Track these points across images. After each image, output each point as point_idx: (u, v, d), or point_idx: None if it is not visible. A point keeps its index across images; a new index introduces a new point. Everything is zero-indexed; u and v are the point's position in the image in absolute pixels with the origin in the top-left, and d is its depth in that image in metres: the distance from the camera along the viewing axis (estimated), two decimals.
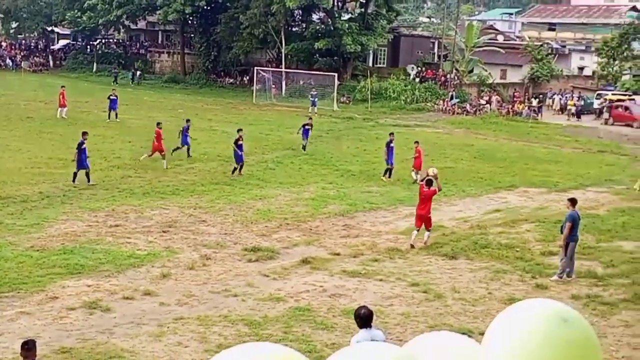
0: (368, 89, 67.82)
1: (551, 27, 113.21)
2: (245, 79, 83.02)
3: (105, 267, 18.96)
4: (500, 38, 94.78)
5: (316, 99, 61.25)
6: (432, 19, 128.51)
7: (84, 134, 30.21)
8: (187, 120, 37.85)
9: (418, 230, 22.28)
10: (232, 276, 18.77)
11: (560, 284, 19.00)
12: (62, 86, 51.26)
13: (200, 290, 17.69)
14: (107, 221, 23.59)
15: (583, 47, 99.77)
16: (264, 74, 72.89)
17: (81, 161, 29.11)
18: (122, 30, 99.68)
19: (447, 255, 21.30)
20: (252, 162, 35.96)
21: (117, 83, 76.83)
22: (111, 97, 49.04)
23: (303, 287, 18.16)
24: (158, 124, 35.21)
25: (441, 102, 67.19)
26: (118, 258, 19.69)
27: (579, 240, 20.01)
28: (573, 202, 20.04)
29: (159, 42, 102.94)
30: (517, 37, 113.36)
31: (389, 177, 33.51)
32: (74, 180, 28.90)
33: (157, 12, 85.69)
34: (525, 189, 32.38)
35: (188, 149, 36.67)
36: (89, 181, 28.97)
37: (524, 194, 31.40)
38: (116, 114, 48.93)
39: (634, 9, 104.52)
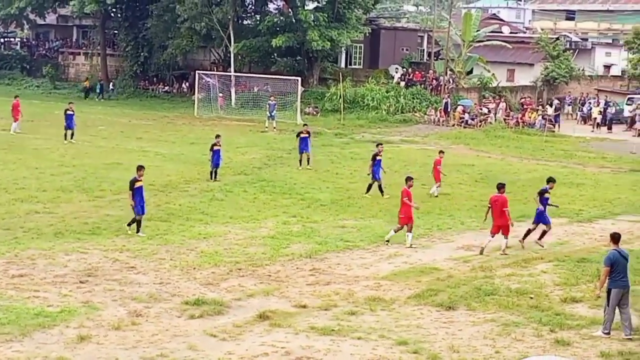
0: (340, 97, 68.13)
1: (569, 15, 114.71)
2: (185, 85, 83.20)
3: (7, 329, 18.76)
4: (506, 30, 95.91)
5: (275, 110, 61.50)
6: (420, 8, 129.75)
7: None
8: (217, 136, 40.45)
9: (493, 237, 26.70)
10: (170, 337, 18.65)
11: (586, 339, 19.10)
12: (16, 96, 52.17)
13: (129, 356, 17.56)
14: (8, 270, 23.37)
15: (609, 40, 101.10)
16: (208, 79, 73.04)
17: None
18: (26, 27, 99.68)
19: (442, 305, 21.30)
20: (195, 192, 35.92)
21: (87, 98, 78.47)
22: (67, 113, 49.63)
23: (260, 349, 18.08)
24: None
25: (433, 111, 67.59)
26: (23, 317, 19.48)
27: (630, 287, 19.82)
28: (613, 238, 20.03)
29: (74, 40, 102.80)
30: (527, 28, 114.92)
31: (381, 191, 36.26)
32: None
33: (71, 3, 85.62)
34: None
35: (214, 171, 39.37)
36: None
37: (538, 226, 31.56)
38: (72, 134, 49.52)
39: None
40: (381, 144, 38.96)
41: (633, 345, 18.74)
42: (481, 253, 26.89)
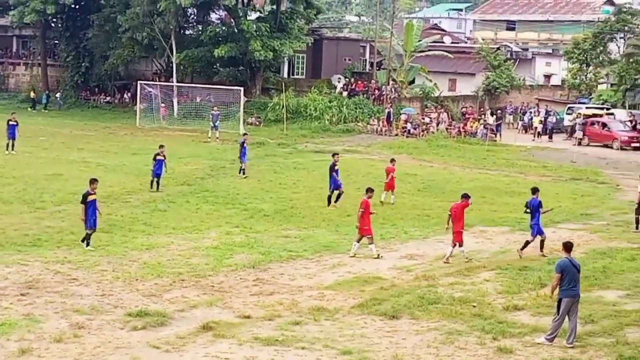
0: (283, 107, 68.17)
1: (510, 25, 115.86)
2: (126, 96, 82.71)
3: None
4: (448, 40, 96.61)
5: (218, 121, 61.42)
6: (362, 18, 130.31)
7: None
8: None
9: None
10: (112, 349, 18.51)
11: (528, 346, 19.23)
12: None
13: None
14: None
15: (549, 50, 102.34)
16: (150, 89, 72.74)
17: None
18: None
19: (386, 315, 21.35)
20: (137, 203, 35.74)
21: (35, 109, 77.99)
22: (10, 123, 49.42)
23: None
24: None
25: (375, 120, 67.85)
26: None
27: (580, 297, 19.93)
28: (566, 246, 20.08)
29: (13, 51, 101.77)
30: (469, 38, 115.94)
31: (329, 201, 36.78)
32: None
33: (10, 13, 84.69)
34: (483, 228, 32.80)
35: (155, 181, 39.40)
36: None
37: (481, 234, 31.81)
38: (13, 145, 49.72)
39: (609, 2, 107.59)
40: (337, 154, 38.98)
41: (574, 352, 18.90)
42: (447, 262, 27.22)
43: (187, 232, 30.73)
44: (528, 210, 29.11)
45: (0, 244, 27.80)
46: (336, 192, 36.95)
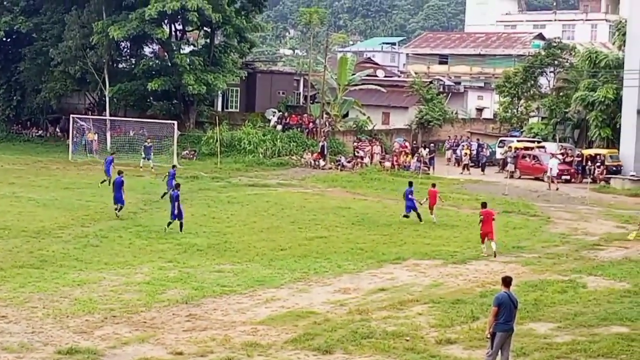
0: (217, 140, 68.13)
1: (442, 59, 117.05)
2: (58, 129, 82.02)
3: None
4: (381, 74, 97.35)
5: (151, 153, 61.26)
6: (296, 51, 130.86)
7: None
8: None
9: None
10: None
11: None
12: None
13: None
14: None
15: (481, 84, 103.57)
16: (83, 123, 72.31)
17: None
18: None
19: (319, 350, 21.30)
20: (68, 238, 35.35)
21: None
22: None
23: None
24: None
25: (309, 154, 67.99)
26: None
27: (514, 331, 20.00)
28: (504, 281, 20.10)
29: None
30: (402, 72, 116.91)
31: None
32: None
33: None
34: (416, 261, 32.88)
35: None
36: None
37: (414, 267, 31.88)
38: None
39: (539, 37, 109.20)
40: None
41: None
42: (494, 256, 33.77)
43: (119, 267, 30.43)
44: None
45: None
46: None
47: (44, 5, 79.57)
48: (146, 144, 62.56)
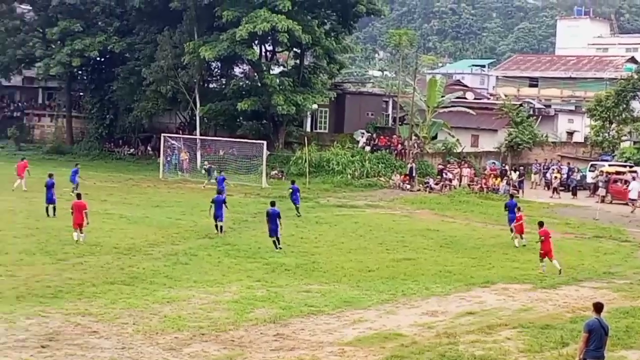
0: (306, 161, 68.29)
1: (532, 82, 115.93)
2: (150, 148, 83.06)
3: None
4: (470, 96, 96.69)
5: (212, 173, 63.31)
6: (385, 73, 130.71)
7: None
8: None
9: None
10: None
11: None
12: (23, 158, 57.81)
13: None
14: None
15: (572, 107, 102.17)
16: (174, 142, 73.14)
17: None
18: None
19: None
20: (159, 256, 35.69)
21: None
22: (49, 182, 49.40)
23: None
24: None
25: (397, 176, 67.86)
26: None
27: (605, 358, 19.63)
28: (596, 307, 19.79)
29: (39, 102, 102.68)
30: (491, 94, 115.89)
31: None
32: None
33: (37, 65, 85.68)
34: (505, 285, 32.56)
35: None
36: None
37: (503, 291, 31.57)
38: (54, 208, 47.75)
39: (632, 60, 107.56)
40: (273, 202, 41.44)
41: None
42: (560, 273, 34.51)
43: (208, 285, 30.63)
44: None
45: (21, 295, 27.79)
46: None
47: (137, 26, 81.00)
48: (205, 165, 63.91)
